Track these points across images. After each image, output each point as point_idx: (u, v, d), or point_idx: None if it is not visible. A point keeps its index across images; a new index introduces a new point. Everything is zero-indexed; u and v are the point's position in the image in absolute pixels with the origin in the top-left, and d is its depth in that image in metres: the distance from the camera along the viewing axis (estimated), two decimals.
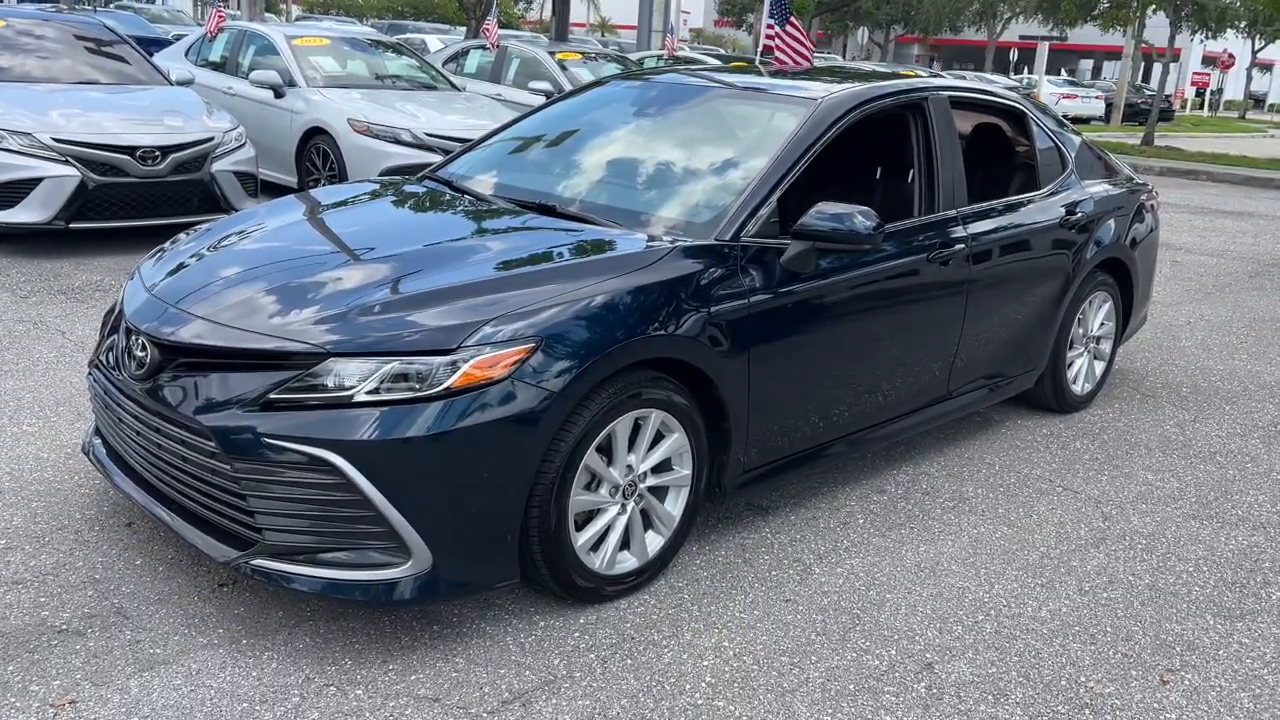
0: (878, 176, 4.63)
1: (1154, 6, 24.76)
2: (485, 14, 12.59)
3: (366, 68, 9.70)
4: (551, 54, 11.73)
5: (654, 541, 3.10)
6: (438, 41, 17.72)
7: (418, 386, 2.57)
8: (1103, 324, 4.96)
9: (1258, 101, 58.43)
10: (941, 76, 6.39)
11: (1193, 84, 45.25)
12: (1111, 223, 4.80)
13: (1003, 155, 4.82)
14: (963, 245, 3.93)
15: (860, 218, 3.24)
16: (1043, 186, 4.54)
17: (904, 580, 3.25)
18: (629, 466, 2.97)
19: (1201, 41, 40.57)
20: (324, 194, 3.91)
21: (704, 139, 3.79)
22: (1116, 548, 3.56)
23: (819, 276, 3.36)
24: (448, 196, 3.70)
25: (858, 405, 3.69)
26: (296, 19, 39.17)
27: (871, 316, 3.61)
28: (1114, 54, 45.33)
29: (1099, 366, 5.03)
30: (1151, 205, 5.22)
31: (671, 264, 3.05)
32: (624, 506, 2.99)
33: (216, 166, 7.07)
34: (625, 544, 3.03)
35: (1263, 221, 11.99)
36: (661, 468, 3.08)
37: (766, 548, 3.40)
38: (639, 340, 2.85)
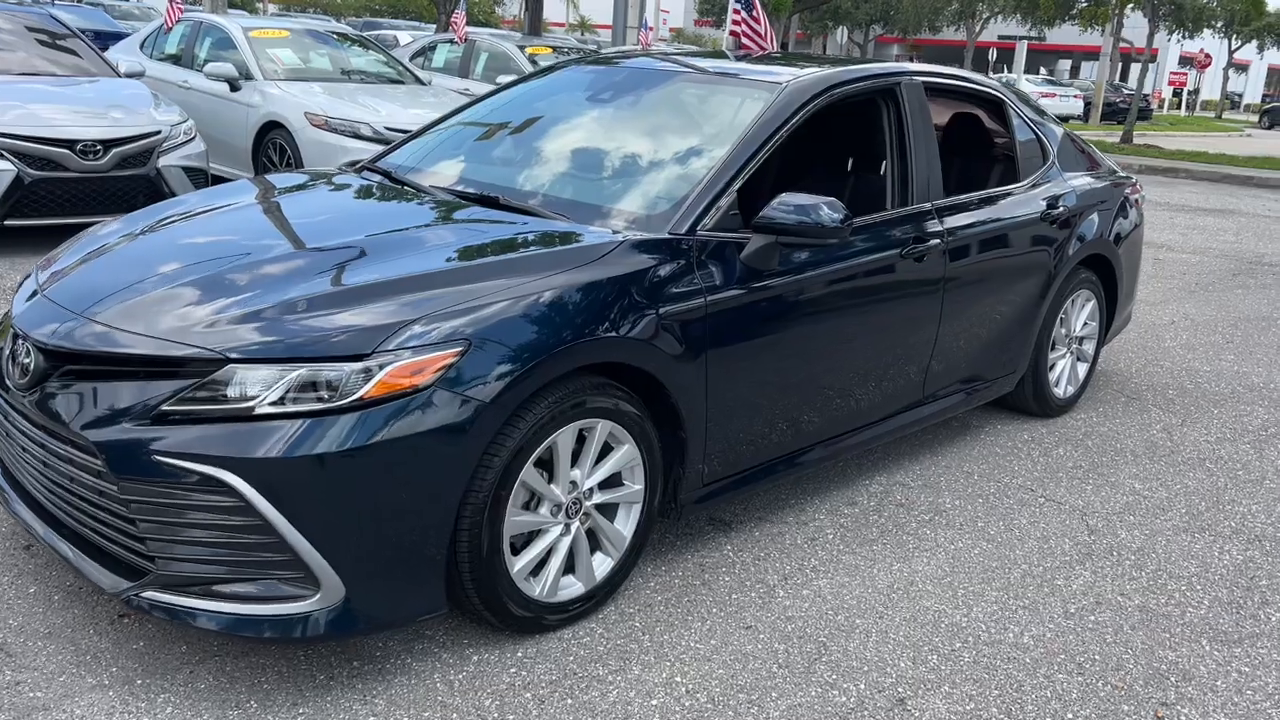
0: (848, 167, 4.38)
1: (1132, 5, 24.71)
2: (454, 7, 12.29)
3: (328, 61, 9.39)
4: (521, 48, 11.44)
5: (602, 564, 2.83)
6: (409, 36, 17.40)
7: (328, 396, 2.29)
8: (1086, 324, 4.72)
9: (1233, 103, 58.74)
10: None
11: (1170, 84, 45.37)
12: (1095, 217, 4.57)
13: (981, 146, 4.58)
14: (938, 240, 3.68)
15: (826, 209, 2.99)
16: (1023, 179, 4.30)
17: (875, 603, 2.99)
18: (573, 482, 2.70)
19: (1179, 42, 40.67)
20: (248, 185, 3.62)
21: (662, 125, 3.52)
22: (1103, 564, 3.32)
23: (783, 273, 3.11)
24: (383, 188, 3.41)
25: (827, 411, 3.43)
26: (271, 17, 38.63)
27: (840, 316, 3.36)
28: (1092, 54, 45.41)
29: (1082, 368, 4.80)
30: (1136, 199, 5.00)
31: (620, 259, 2.78)
32: (568, 527, 2.72)
33: (164, 161, 6.75)
34: (570, 567, 2.76)
35: (1244, 219, 11.84)
36: (610, 483, 2.81)
37: (728, 567, 3.14)
38: (583, 343, 2.58)
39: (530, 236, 2.89)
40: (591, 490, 2.76)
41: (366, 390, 2.29)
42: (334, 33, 10.20)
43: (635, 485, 2.85)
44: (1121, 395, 5.06)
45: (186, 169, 6.91)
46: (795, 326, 3.19)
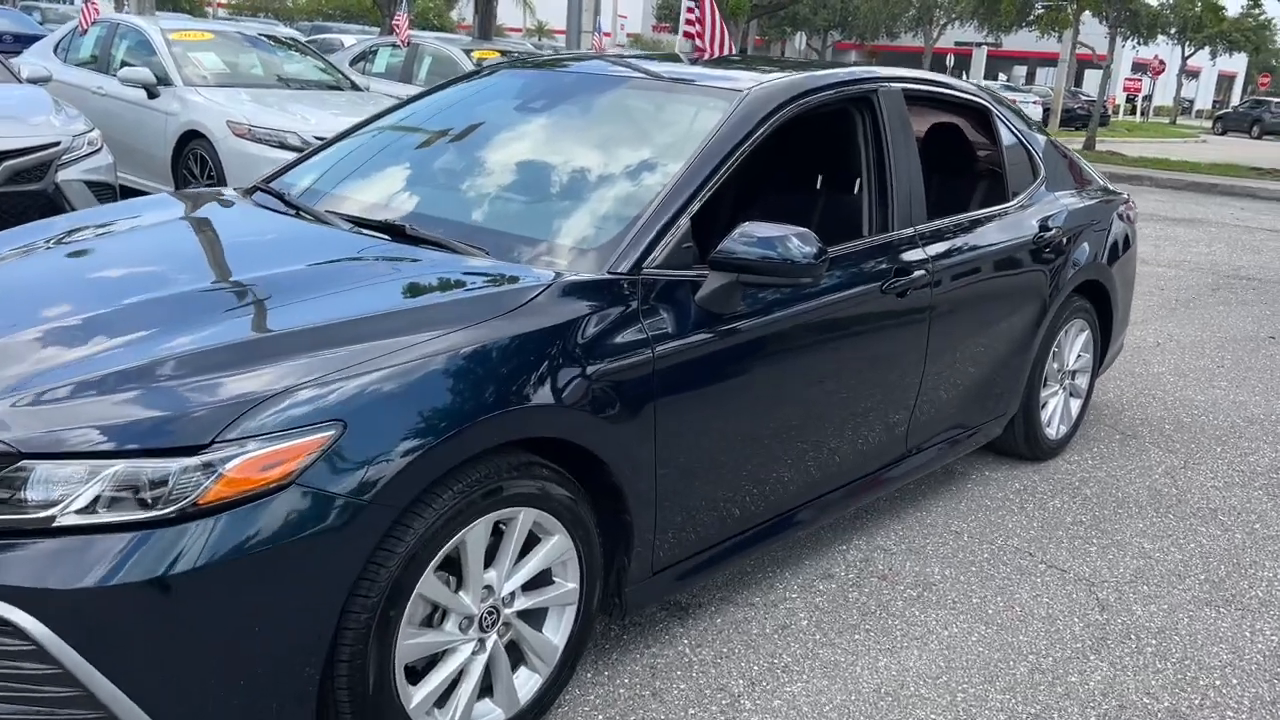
0: (819, 187, 3.88)
1: (1088, 10, 24.63)
2: (396, 9, 11.72)
3: (259, 66, 8.77)
4: (468, 52, 10.88)
5: (528, 682, 2.30)
6: (354, 40, 16.75)
7: (152, 501, 1.74)
8: (1079, 356, 4.27)
9: (1184, 109, 59.41)
10: None
11: (1125, 90, 45.66)
12: (1088, 239, 4.12)
13: (964, 160, 4.11)
14: (923, 272, 3.19)
15: (797, 242, 2.49)
16: (1012, 198, 3.83)
17: (860, 714, 2.49)
18: (488, 588, 2.17)
19: (1134, 48, 40.93)
20: (116, 210, 3.06)
21: (603, 141, 3.00)
22: (1121, 652, 2.84)
23: (745, 316, 2.60)
24: (267, 215, 2.86)
25: (801, 476, 2.93)
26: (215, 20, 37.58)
27: (812, 364, 2.86)
28: (1048, 60, 45.60)
29: (1075, 405, 4.35)
30: (1129, 216, 4.56)
31: (545, 308, 2.26)
32: (482, 643, 2.18)
33: (63, 175, 6.10)
34: (488, 689, 2.23)
35: (1213, 229, 11.56)
36: (537, 582, 2.29)
37: (684, 669, 2.62)
38: (497, 417, 2.06)
39: (434, 280, 2.35)
40: (512, 595, 2.23)
41: (204, 493, 1.75)
42: (266, 36, 9.58)
43: (568, 583, 2.32)
44: (1116, 432, 4.62)
45: (90, 183, 6.27)
46: (760, 379, 2.69)
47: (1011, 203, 3.80)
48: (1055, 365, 4.13)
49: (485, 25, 16.97)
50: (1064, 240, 3.92)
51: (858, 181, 3.36)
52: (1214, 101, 70.23)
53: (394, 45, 11.52)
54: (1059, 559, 3.36)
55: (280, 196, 3.03)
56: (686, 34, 7.67)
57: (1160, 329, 6.65)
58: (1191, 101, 65.64)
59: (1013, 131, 3.95)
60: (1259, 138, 38.78)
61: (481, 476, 2.06)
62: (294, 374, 1.91)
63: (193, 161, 7.64)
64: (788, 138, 3.75)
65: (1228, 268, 9.09)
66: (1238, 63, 65.71)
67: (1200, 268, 8.99)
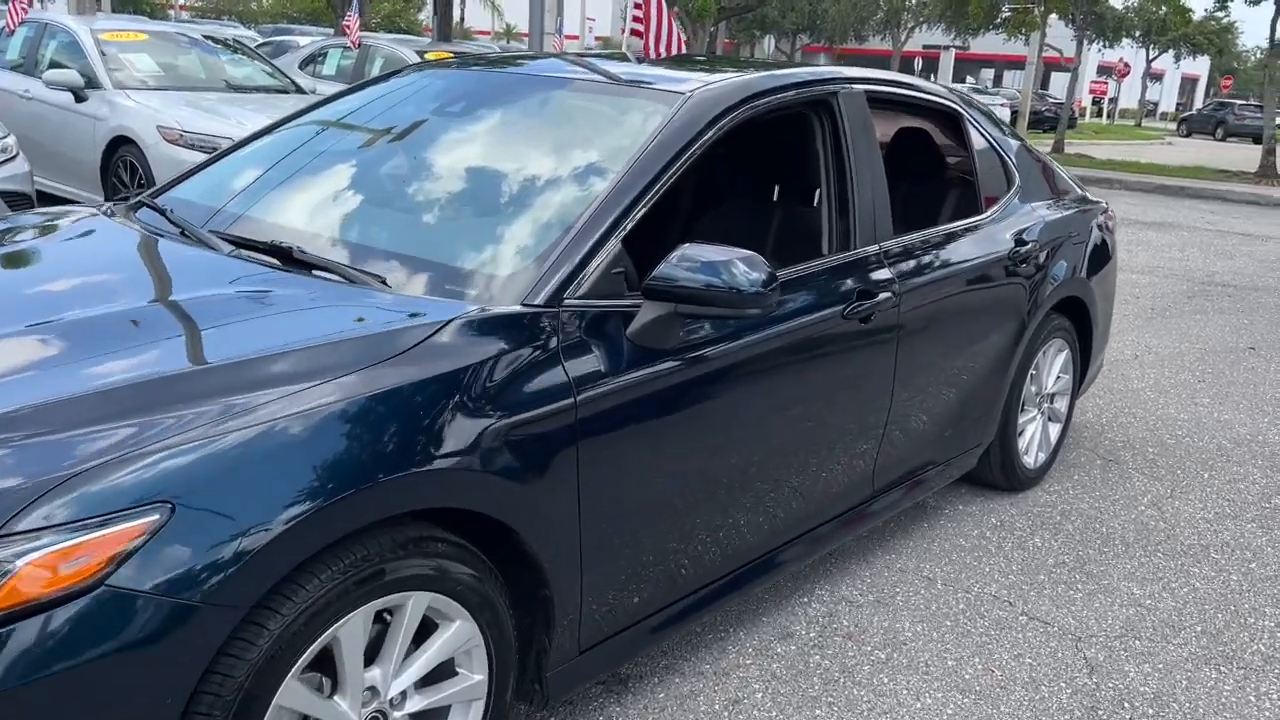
0: (774, 200, 3.55)
1: (1055, 13, 24.54)
2: (347, 9, 11.29)
3: (198, 68, 8.34)
4: (421, 54, 10.49)
5: None
6: (307, 41, 16.28)
7: None
8: (1058, 377, 3.97)
9: (1149, 111, 59.83)
10: None
11: (1091, 92, 45.86)
12: (1066, 252, 3.81)
13: (934, 169, 3.80)
14: (889, 294, 2.87)
15: (743, 267, 2.15)
16: (985, 209, 3.52)
17: None
18: (371, 689, 1.81)
19: (1099, 51, 41.09)
20: None
21: (526, 150, 2.65)
22: None
23: (685, 351, 2.26)
24: (134, 237, 2.49)
25: (754, 528, 2.60)
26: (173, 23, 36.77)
27: (765, 401, 2.52)
28: (1015, 63, 45.68)
29: (1054, 430, 4.04)
30: (1108, 226, 4.26)
31: (443, 350, 1.91)
32: None
33: None
34: None
35: (1185, 233, 11.37)
36: (436, 676, 1.93)
37: None
38: (376, 488, 1.70)
39: (311, 317, 1.99)
40: (403, 695, 1.87)
41: None
42: (207, 37, 9.14)
43: (474, 675, 1.97)
44: (1097, 457, 4.32)
45: (3, 192, 5.85)
46: (703, 422, 2.35)
47: (985, 215, 3.48)
48: (1033, 389, 3.82)
49: (444, 26, 16.54)
50: (1041, 255, 3.62)
51: (817, 193, 3.03)
52: (1177, 104, 70.86)
53: (345, 47, 11.10)
54: (1041, 609, 3.04)
55: (164, 213, 2.66)
56: (634, 32, 7.26)
57: (1138, 340, 6.38)
58: (1156, 104, 66.19)
59: (985, 137, 3.64)
60: (1222, 139, 39.00)
61: (357, 559, 1.71)
62: (111, 443, 1.54)
63: (123, 169, 7.22)
64: (738, 145, 3.43)
65: (1202, 274, 8.86)
66: (1201, 65, 66.31)
67: (1175, 274, 8.76)
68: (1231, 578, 3.33)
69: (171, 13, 43.03)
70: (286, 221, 2.51)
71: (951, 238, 3.27)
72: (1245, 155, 24.99)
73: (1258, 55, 68.18)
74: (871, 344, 2.84)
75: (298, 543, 1.60)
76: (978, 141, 3.59)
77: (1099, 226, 4.14)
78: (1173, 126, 46.92)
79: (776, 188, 3.49)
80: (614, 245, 2.21)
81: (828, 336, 2.69)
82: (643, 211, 2.30)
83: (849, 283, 2.78)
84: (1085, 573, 3.29)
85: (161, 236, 2.48)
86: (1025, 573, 3.26)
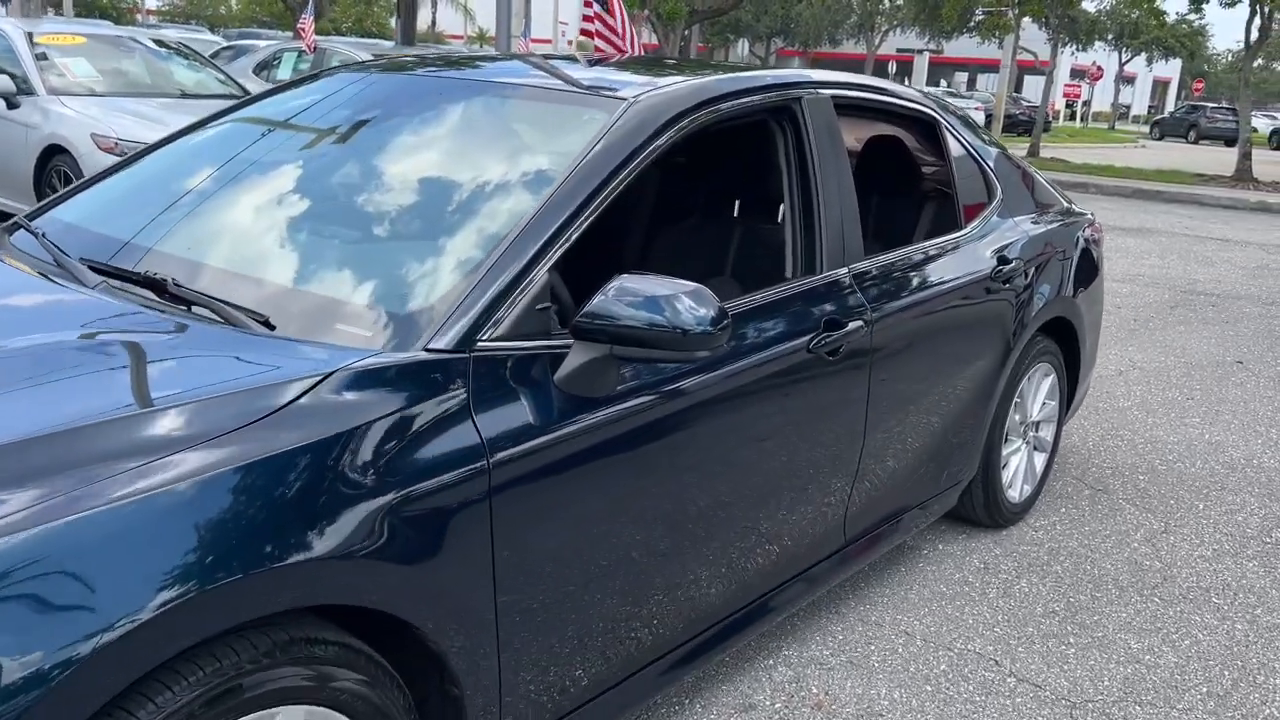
0: (734, 216, 3.24)
1: (1029, 16, 24.46)
2: (302, 11, 10.97)
3: (143, 73, 7.98)
4: (378, 58, 10.14)
5: None
6: (265, 45, 15.86)
7: None
8: (1044, 404, 3.68)
9: (1122, 113, 60.15)
10: None
11: (1065, 95, 45.97)
12: (1054, 270, 3.53)
13: (908, 182, 3.51)
14: (860, 323, 2.57)
15: (688, 303, 1.84)
16: (965, 225, 3.23)
17: None
18: None
19: (1073, 54, 41.19)
20: None
21: (444, 166, 2.32)
22: None
23: (624, 398, 1.96)
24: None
25: (711, 591, 2.29)
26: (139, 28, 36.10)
27: (718, 454, 2.22)
28: (989, 67, 45.76)
29: (1040, 460, 3.76)
30: (1095, 239, 3.99)
31: (326, 408, 1.59)
32: None
33: None
34: None
35: (1164, 239, 11.18)
36: None
37: None
38: (234, 585, 1.38)
39: (169, 368, 1.67)
40: None
41: None
42: (155, 41, 8.76)
43: None
44: (1084, 486, 4.04)
45: None
46: (644, 480, 2.04)
47: (964, 231, 3.19)
48: (1017, 418, 3.53)
49: (408, 29, 16.18)
50: (1025, 273, 3.33)
51: (779, 210, 2.73)
52: (1149, 106, 71.32)
53: (300, 51, 10.73)
54: (1032, 669, 2.75)
55: (38, 235, 2.32)
56: (584, 32, 6.88)
57: (1122, 354, 6.13)
58: (1128, 107, 66.55)
59: (964, 145, 3.35)
60: (1195, 142, 39.15)
61: (207, 674, 1.38)
62: None
63: (56, 179, 6.84)
64: (693, 157, 3.14)
65: (1183, 282, 8.65)
66: (1172, 69, 66.79)
67: (1156, 282, 8.54)
68: (1236, 627, 3.05)
69: (139, 17, 42.35)
70: (171, 248, 2.17)
71: (928, 257, 2.97)
72: (1219, 158, 25.00)
73: (1229, 58, 68.80)
74: (841, 379, 2.54)
75: (123, 660, 1.28)
76: (955, 150, 3.30)
77: (1085, 240, 3.87)
78: (1145, 129, 47.13)
79: (737, 203, 3.18)
80: (541, 276, 1.90)
81: (791, 373, 2.38)
82: (577, 235, 1.99)
83: (815, 311, 2.48)
84: (1078, 623, 3.00)
85: (23, 265, 2.14)
86: (1013, 624, 2.97)
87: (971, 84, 55.93)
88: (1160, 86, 74.40)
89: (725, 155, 3.14)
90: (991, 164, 3.44)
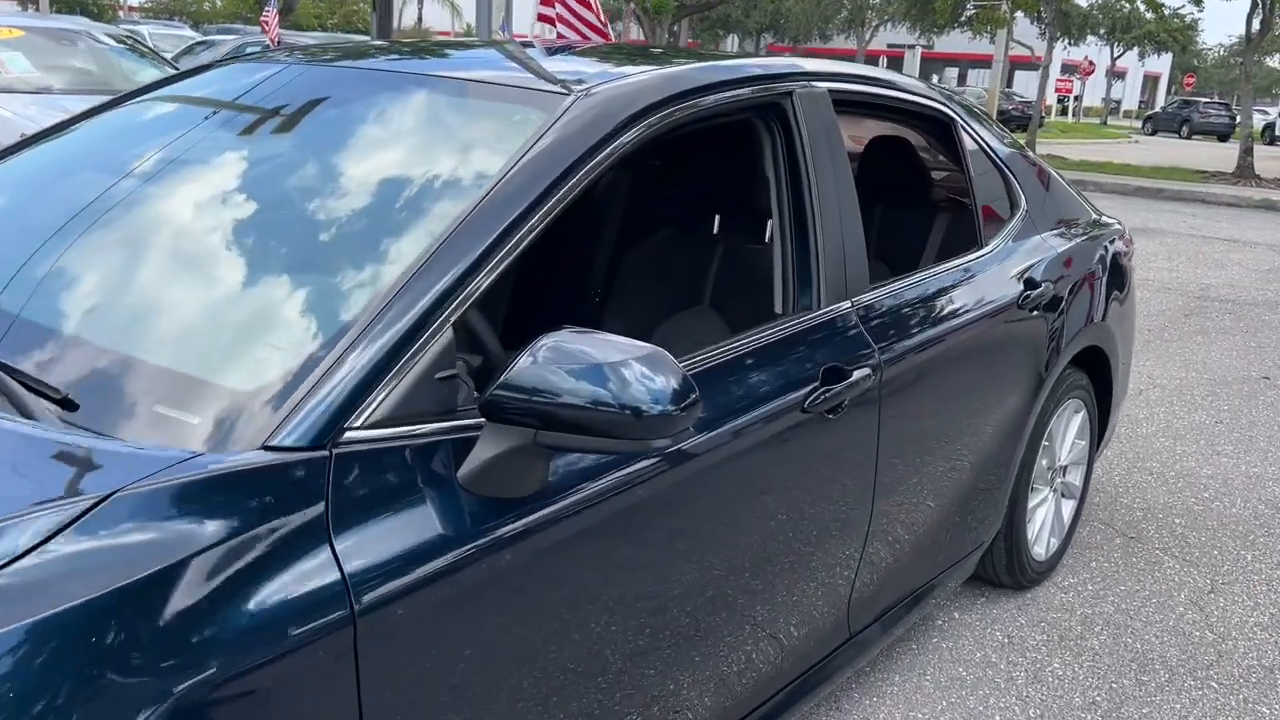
0: (712, 235, 2.73)
1: (1021, 10, 24.01)
2: (265, 5, 10.43)
3: (83, 69, 7.45)
4: (280, 47, 9.59)
5: None
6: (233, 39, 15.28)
7: None
8: (1074, 445, 3.20)
9: (1112, 109, 59.82)
10: None
11: (1056, 91, 45.53)
12: (1085, 292, 3.05)
13: (918, 192, 3.03)
14: (867, 370, 2.07)
15: (641, 371, 1.35)
16: (985, 242, 2.74)
17: None
18: None
19: (1065, 49, 40.78)
20: None
21: (326, 185, 1.80)
22: None
23: (557, 496, 1.46)
24: None
25: (689, 710, 1.80)
26: (122, 25, 35.43)
27: (685, 557, 1.72)
28: (980, 61, 45.33)
29: (1068, 508, 3.27)
30: (1127, 253, 3.51)
31: (111, 543, 1.09)
32: None
33: None
34: None
35: (1170, 240, 10.72)
36: None
37: None
38: None
39: None
40: None
41: None
42: (109, 35, 8.23)
43: None
44: (1115, 533, 3.56)
45: None
46: (582, 613, 1.54)
47: (985, 250, 2.70)
48: (1044, 463, 3.04)
49: (384, 24, 15.58)
50: (1055, 298, 2.84)
51: (768, 227, 2.24)
52: (1140, 102, 71.04)
53: (265, 45, 10.21)
54: None
55: None
56: (543, 18, 6.30)
57: (1139, 370, 5.65)
58: (1119, 102, 66.26)
59: (983, 148, 2.86)
60: (1188, 138, 38.76)
61: None
62: None
63: None
64: (661, 164, 2.65)
65: (1195, 287, 8.18)
66: (1163, 63, 66.50)
67: (1167, 288, 8.07)
68: None
69: (121, 14, 41.61)
70: None
71: (946, 287, 2.48)
72: (1215, 154, 24.63)
73: (1219, 52, 68.55)
74: (843, 442, 2.05)
75: None
76: (974, 155, 2.80)
77: (1116, 254, 3.38)
78: (1137, 124, 46.75)
79: (717, 218, 2.67)
80: (443, 333, 1.40)
81: (779, 442, 1.89)
82: (501, 271, 1.49)
83: (813, 358, 1.99)
84: (1124, 719, 2.52)
85: None
86: None
87: (962, 79, 55.55)
88: (1151, 81, 74.14)
89: (701, 162, 2.64)
90: (1013, 169, 2.95)
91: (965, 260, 2.60)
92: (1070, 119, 46.72)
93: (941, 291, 2.43)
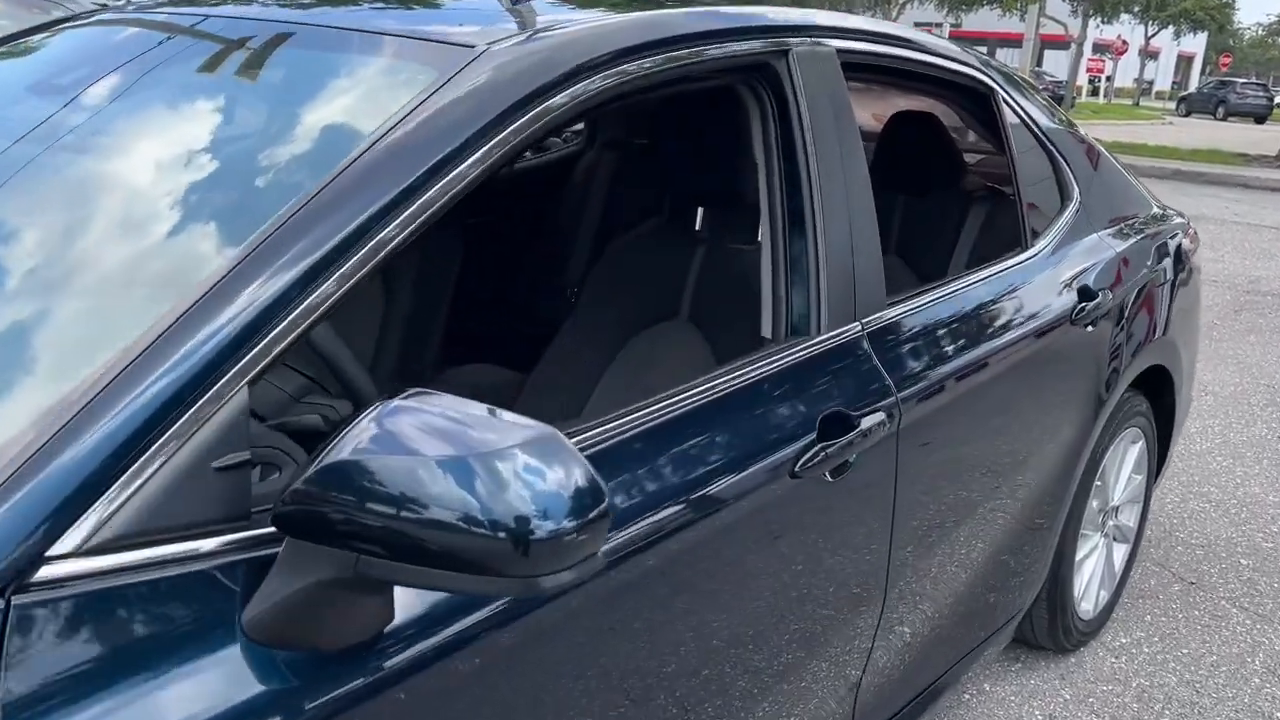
0: (693, 235, 2.21)
1: None
2: None
3: None
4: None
5: None
6: None
7: None
8: (1129, 480, 2.70)
9: (1144, 89, 58.51)
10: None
11: (1087, 71, 44.46)
12: (1149, 302, 2.54)
13: (950, 181, 2.52)
14: (881, 415, 1.58)
15: (528, 481, 0.86)
16: (1031, 242, 2.23)
17: None
18: None
19: (1097, 28, 39.73)
20: None
21: (103, 179, 1.33)
22: None
23: (421, 631, 0.98)
24: None
25: None
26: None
27: (635, 673, 1.25)
28: (1009, 41, 44.33)
29: (1120, 554, 2.78)
30: (1192, 251, 2.99)
31: None
32: None
33: None
34: None
35: (1213, 228, 10.09)
36: None
37: None
38: None
39: None
40: None
41: None
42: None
43: None
44: (1171, 577, 3.06)
45: None
46: None
47: (1032, 251, 2.19)
48: (1095, 505, 2.55)
49: None
50: (1116, 311, 2.34)
51: (755, 233, 1.75)
52: (1173, 82, 69.49)
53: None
54: None
55: None
56: None
57: None
58: (1151, 82, 64.85)
59: (1029, 125, 2.34)
60: (1224, 119, 37.70)
61: None
62: None
63: None
64: (642, 146, 2.15)
65: (1244, 280, 7.60)
66: (1197, 43, 65.00)
67: (1215, 281, 7.48)
68: None
69: None
70: None
71: (984, 299, 1.98)
72: (1252, 136, 23.81)
73: (1256, 31, 66.90)
74: (848, 511, 1.56)
75: None
76: (1019, 134, 2.29)
77: (1181, 254, 2.86)
78: (1170, 106, 45.61)
79: (700, 213, 2.16)
80: (227, 396, 0.93)
81: (761, 519, 1.40)
82: (326, 304, 1.02)
83: (810, 402, 1.50)
84: None
85: None
86: None
87: (991, 58, 54.38)
88: (1184, 62, 72.52)
89: (679, 142, 2.14)
90: (1065, 152, 2.43)
91: (1007, 265, 2.09)
92: (1101, 100, 45.65)
93: (979, 308, 1.93)
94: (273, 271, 0.99)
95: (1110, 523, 2.68)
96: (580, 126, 2.81)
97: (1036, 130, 2.35)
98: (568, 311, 2.27)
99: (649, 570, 1.24)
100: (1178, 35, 46.34)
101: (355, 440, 0.86)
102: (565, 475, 0.87)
